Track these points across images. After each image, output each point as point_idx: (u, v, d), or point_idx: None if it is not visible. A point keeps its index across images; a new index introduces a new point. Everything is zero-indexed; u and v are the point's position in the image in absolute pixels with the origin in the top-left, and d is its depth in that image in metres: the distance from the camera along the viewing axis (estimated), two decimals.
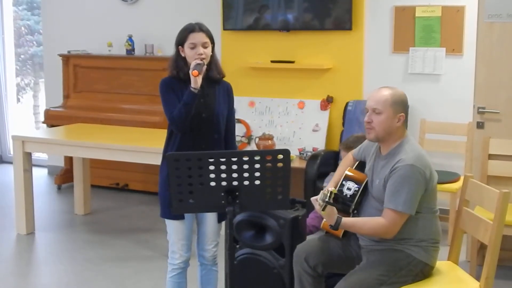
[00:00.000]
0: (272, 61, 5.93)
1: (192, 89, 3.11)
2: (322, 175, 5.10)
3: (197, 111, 3.17)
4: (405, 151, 2.94)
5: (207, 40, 3.20)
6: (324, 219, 3.04)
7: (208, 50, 3.20)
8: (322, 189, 3.01)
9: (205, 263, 3.43)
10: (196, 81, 3.10)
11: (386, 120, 2.96)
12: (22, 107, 8.63)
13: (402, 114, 2.99)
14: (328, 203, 2.85)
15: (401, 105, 3.00)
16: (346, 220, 2.95)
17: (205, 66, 3.16)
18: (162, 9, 6.51)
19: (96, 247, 4.98)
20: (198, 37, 3.18)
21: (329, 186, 3.15)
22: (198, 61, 3.13)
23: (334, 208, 2.91)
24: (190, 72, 3.11)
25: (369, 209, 3.06)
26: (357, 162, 3.26)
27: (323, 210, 2.87)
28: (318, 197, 2.96)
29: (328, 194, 2.86)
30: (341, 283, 2.95)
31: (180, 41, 3.22)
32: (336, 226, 2.93)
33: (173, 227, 3.29)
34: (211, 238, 3.38)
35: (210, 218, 3.35)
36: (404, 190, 2.86)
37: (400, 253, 2.96)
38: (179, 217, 3.25)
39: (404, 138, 3.02)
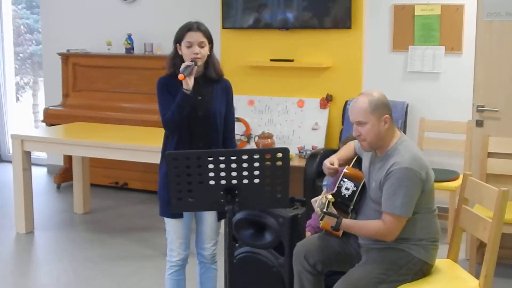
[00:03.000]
0: (271, 60, 5.92)
1: (184, 90, 3.11)
2: (322, 173, 5.03)
3: (193, 109, 3.17)
4: (400, 153, 2.91)
5: (204, 39, 3.18)
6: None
7: (205, 50, 3.18)
8: (321, 188, 3.01)
9: (204, 262, 3.43)
10: (187, 83, 3.09)
11: (373, 128, 2.93)
12: (21, 106, 8.63)
13: (387, 115, 2.94)
14: (325, 213, 2.86)
15: (381, 108, 2.94)
16: (346, 221, 2.96)
17: (196, 67, 3.13)
18: (161, 7, 6.50)
19: (95, 246, 4.98)
20: (195, 36, 3.16)
21: (328, 180, 3.14)
22: (188, 63, 3.10)
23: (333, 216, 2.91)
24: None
25: (368, 210, 3.06)
26: (355, 157, 3.26)
27: (321, 219, 2.91)
28: (317, 202, 2.96)
29: (326, 203, 2.86)
30: (340, 281, 2.95)
31: (178, 39, 3.21)
32: (337, 227, 2.93)
33: (171, 225, 3.29)
34: (210, 237, 3.38)
35: (209, 216, 3.35)
36: (401, 194, 2.84)
37: (399, 252, 2.96)
38: (178, 215, 3.25)
39: (398, 138, 2.98)
